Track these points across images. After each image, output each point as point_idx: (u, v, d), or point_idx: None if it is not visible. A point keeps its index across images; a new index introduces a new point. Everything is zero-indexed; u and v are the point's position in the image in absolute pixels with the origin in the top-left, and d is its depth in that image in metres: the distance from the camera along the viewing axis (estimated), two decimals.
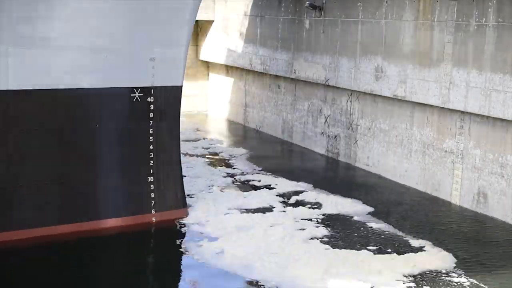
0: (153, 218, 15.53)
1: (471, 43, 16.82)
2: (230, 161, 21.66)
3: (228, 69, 29.91)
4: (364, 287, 12.18)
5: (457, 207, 17.35)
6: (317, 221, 15.77)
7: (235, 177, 19.55)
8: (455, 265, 13.35)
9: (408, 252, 13.90)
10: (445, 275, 12.86)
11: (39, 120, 14.22)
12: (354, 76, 21.06)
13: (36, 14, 13.52)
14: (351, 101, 21.71)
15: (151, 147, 15.45)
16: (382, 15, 19.86)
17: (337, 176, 21.18)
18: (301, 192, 18.06)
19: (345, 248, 14.04)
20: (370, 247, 14.10)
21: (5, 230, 13.86)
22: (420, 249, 14.13)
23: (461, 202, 17.46)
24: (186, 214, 15.89)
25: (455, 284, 12.47)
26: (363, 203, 17.34)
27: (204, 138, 25.25)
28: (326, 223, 15.69)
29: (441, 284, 12.44)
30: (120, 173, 15.26)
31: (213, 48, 30.04)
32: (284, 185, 18.74)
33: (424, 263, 13.28)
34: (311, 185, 18.77)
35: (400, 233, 15.15)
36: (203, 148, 23.44)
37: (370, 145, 20.89)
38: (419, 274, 12.83)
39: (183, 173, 16.56)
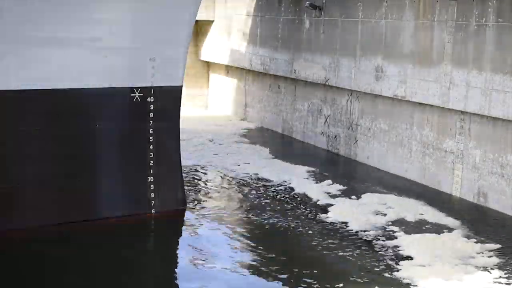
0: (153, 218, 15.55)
1: (471, 43, 16.82)
2: None
3: (228, 69, 29.91)
4: None
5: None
6: None
7: None
8: None
9: None
10: None
11: (39, 120, 14.22)
12: (354, 76, 21.07)
13: (36, 13, 13.52)
14: (351, 101, 21.72)
15: (151, 147, 15.46)
16: (382, 15, 19.86)
17: None
18: None
19: None
20: None
21: (4, 229, 13.87)
22: None
23: None
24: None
25: None
26: None
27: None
28: None
29: None
30: (120, 173, 15.27)
31: (213, 48, 30.04)
32: None
33: None
34: None
35: None
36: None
37: (370, 145, 20.90)
38: None
39: None
